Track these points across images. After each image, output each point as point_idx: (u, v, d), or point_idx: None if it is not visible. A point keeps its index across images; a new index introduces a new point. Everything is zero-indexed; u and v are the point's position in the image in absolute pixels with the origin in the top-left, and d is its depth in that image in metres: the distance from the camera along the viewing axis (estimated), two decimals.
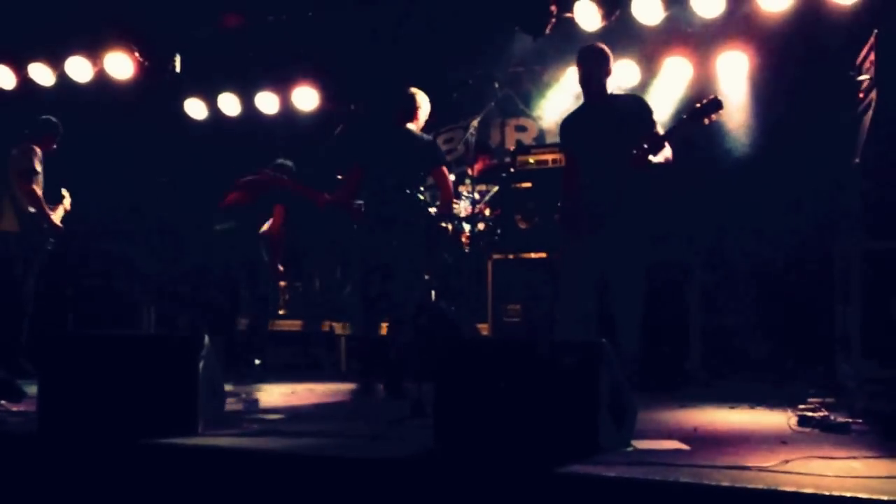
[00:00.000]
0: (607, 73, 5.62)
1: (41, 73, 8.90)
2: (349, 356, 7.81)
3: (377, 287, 5.94)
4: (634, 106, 5.57)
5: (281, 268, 7.54)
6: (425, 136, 6.23)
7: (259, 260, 7.19)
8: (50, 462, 4.25)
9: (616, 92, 5.67)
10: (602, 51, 5.64)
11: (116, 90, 8.84)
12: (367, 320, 6.11)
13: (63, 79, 8.89)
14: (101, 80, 8.84)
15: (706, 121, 5.32)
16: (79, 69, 8.81)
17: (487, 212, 7.57)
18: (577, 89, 7.91)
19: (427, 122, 6.33)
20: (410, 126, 6.13)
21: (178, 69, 9.05)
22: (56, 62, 8.87)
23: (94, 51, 8.79)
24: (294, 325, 8.17)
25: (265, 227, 7.38)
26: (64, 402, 4.51)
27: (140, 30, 8.81)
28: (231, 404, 5.21)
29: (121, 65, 8.74)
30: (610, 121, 5.55)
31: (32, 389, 4.91)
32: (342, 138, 7.29)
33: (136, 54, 8.79)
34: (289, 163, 7.46)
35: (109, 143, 8.82)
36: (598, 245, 5.45)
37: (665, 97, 7.51)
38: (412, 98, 6.20)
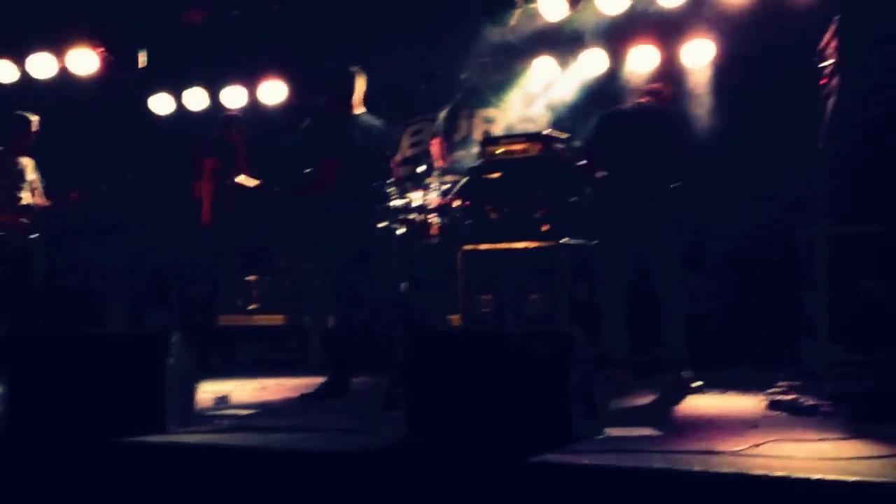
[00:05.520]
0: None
1: (3, 70, 8.78)
2: (321, 350, 7.76)
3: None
4: None
5: (207, 214, 7.12)
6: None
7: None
8: (18, 462, 4.20)
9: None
10: None
11: (80, 86, 8.73)
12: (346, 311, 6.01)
13: (25, 75, 8.76)
14: (65, 76, 8.73)
15: None
16: (41, 65, 8.69)
17: (457, 203, 7.56)
18: (545, 79, 8.02)
19: (394, 114, 6.29)
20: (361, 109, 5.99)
21: (142, 64, 8.95)
22: (18, 58, 8.75)
23: (56, 47, 8.66)
24: (264, 319, 8.12)
25: None
26: (32, 401, 4.46)
27: (104, 25, 8.69)
28: (202, 401, 5.17)
29: (84, 61, 8.62)
30: None
31: None
32: (309, 131, 7.22)
33: (100, 50, 8.68)
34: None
35: (74, 140, 8.71)
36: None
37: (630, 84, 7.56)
38: (353, 78, 5.93)
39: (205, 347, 6.88)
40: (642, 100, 6.10)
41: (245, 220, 7.43)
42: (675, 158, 5.76)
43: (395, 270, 6.03)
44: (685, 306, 5.80)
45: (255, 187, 6.13)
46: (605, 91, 7.76)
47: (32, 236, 7.21)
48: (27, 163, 7.32)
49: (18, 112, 7.36)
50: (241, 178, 6.23)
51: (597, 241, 6.50)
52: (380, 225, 5.92)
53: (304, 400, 5.66)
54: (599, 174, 6.02)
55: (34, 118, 7.31)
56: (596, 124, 6.16)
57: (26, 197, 7.22)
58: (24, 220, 7.17)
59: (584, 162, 6.23)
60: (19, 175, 7.24)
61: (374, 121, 5.99)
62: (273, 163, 7.19)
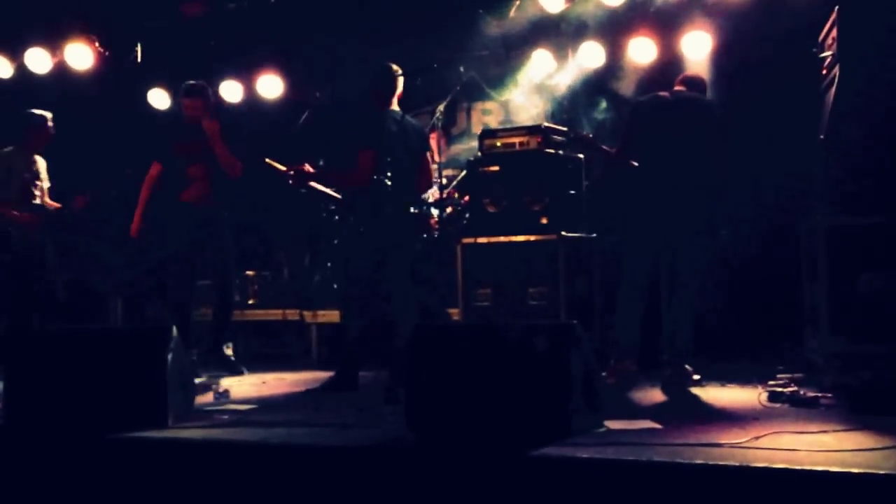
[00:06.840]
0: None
1: None
2: (320, 345, 7.76)
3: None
4: None
5: (136, 228, 6.92)
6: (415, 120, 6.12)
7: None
8: (17, 458, 4.20)
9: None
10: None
11: (77, 81, 8.71)
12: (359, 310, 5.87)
13: (22, 70, 8.75)
14: (61, 71, 8.71)
15: None
16: (38, 61, 8.66)
17: (455, 196, 7.55)
18: (542, 72, 7.99)
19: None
20: (396, 108, 5.92)
21: (139, 59, 8.93)
22: (14, 54, 8.73)
23: (53, 41, 8.65)
24: (263, 314, 8.11)
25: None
26: (31, 397, 4.46)
27: (100, 20, 8.67)
28: (202, 396, 5.18)
29: (81, 55, 8.60)
30: None
31: None
32: (308, 126, 7.21)
33: (97, 45, 8.66)
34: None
35: (71, 135, 8.67)
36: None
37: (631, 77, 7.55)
38: (396, 78, 5.90)
39: (205, 343, 6.87)
40: (679, 88, 5.86)
41: (242, 213, 7.39)
42: (713, 151, 5.58)
43: (412, 271, 5.94)
44: (697, 305, 5.70)
45: (285, 172, 6.01)
46: (604, 83, 7.76)
47: (41, 236, 7.22)
48: (41, 163, 7.33)
49: (35, 110, 7.31)
50: (270, 161, 6.18)
51: (596, 234, 6.47)
52: (410, 222, 5.90)
53: (310, 395, 5.61)
54: (632, 164, 5.82)
55: (48, 115, 7.29)
56: (631, 112, 5.95)
57: (39, 197, 7.23)
58: (36, 220, 7.15)
59: (614, 150, 6.03)
60: (35, 174, 7.25)
61: (411, 119, 5.99)
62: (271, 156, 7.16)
